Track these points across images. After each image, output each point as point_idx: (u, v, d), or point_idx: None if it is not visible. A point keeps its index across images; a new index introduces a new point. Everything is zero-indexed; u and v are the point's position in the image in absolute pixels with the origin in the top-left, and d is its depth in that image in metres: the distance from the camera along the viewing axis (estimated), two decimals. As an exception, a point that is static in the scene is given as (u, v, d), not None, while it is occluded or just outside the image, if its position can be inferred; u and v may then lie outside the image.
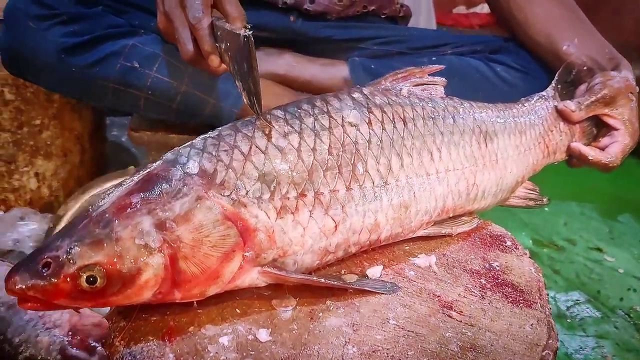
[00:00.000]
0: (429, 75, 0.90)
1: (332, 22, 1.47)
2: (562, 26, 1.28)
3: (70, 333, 1.08)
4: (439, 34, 1.51)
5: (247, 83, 0.74)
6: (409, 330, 0.68)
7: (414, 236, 0.84)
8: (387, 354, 0.65)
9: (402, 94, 0.86)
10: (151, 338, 0.64)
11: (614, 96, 1.06)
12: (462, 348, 0.67)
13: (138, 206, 0.64)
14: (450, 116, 0.87)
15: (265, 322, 0.67)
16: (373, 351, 0.65)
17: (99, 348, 1.06)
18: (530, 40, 1.33)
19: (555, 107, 1.04)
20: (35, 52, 1.23)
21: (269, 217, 0.69)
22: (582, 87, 1.12)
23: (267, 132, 0.72)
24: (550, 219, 1.88)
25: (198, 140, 0.72)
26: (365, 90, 0.84)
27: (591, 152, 1.06)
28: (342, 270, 0.77)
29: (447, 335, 0.68)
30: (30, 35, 1.23)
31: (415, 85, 0.89)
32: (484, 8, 2.50)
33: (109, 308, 0.70)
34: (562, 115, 1.04)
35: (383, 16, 1.55)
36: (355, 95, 0.82)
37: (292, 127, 0.74)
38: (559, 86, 1.09)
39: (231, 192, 0.67)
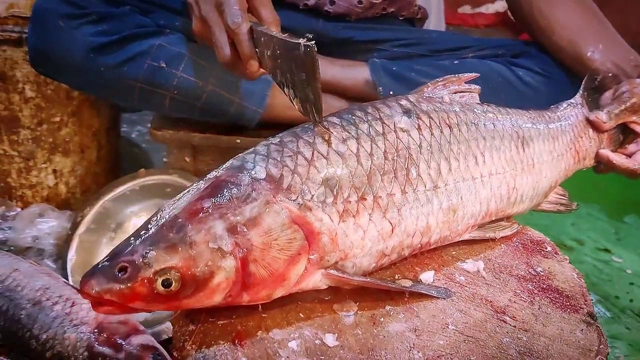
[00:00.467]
0: (465, 82, 0.92)
1: (352, 24, 1.48)
2: (586, 32, 1.29)
3: (97, 330, 1.08)
4: (459, 37, 1.52)
5: (303, 91, 0.75)
6: (468, 336, 0.70)
7: (459, 239, 0.86)
8: (451, 358, 0.66)
9: (444, 101, 0.88)
10: (222, 342, 0.65)
11: None
12: (520, 353, 0.68)
13: (210, 211, 0.65)
14: (490, 122, 0.89)
15: (330, 326, 0.68)
16: (437, 356, 0.66)
17: (125, 345, 1.06)
18: (553, 45, 1.35)
19: (584, 114, 1.06)
20: (64, 51, 1.22)
21: (332, 221, 0.70)
22: (607, 93, 1.14)
23: (326, 138, 0.73)
24: (558, 220, 1.89)
25: (261, 147, 0.73)
26: (412, 98, 0.85)
27: (619, 159, 1.08)
28: (396, 275, 0.78)
29: (504, 340, 0.70)
30: (59, 34, 1.22)
31: (454, 93, 0.91)
32: (489, 8, 2.51)
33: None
34: (593, 125, 1.06)
35: (401, 18, 1.57)
36: (403, 102, 0.83)
37: (349, 133, 0.75)
38: (585, 93, 1.11)
39: (297, 197, 0.68)
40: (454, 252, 0.85)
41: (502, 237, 0.90)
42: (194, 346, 0.64)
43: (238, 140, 1.43)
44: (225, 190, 0.66)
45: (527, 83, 1.35)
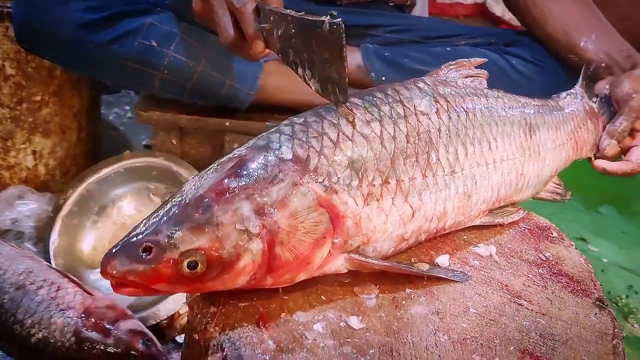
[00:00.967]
0: (474, 67, 0.92)
1: (343, 7, 1.47)
2: (579, 22, 1.31)
3: (84, 315, 1.05)
4: (450, 25, 1.53)
5: (323, 71, 0.73)
6: (490, 319, 0.69)
7: (470, 225, 0.86)
8: (476, 341, 0.66)
9: (458, 85, 0.87)
10: (245, 324, 0.63)
11: None
12: (542, 336, 0.68)
13: (236, 191, 0.63)
14: (501, 107, 0.89)
15: (353, 309, 0.67)
16: (463, 339, 0.66)
17: (114, 330, 1.04)
18: (546, 36, 1.36)
19: (584, 105, 1.07)
20: (53, 27, 1.18)
21: (357, 204, 0.68)
22: (601, 83, 1.15)
23: (350, 120, 0.72)
24: (536, 209, 1.92)
25: (285, 127, 0.71)
26: (428, 81, 0.84)
27: (615, 167, 1.07)
28: (412, 259, 0.78)
29: (524, 323, 0.70)
30: (46, 10, 1.18)
31: (465, 77, 0.90)
32: (468, -1, 2.52)
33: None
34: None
35: (391, 4, 1.56)
36: (421, 85, 0.82)
37: (372, 115, 0.73)
38: (583, 83, 1.12)
39: (324, 179, 0.67)
40: (465, 237, 0.85)
41: (510, 223, 0.90)
42: (217, 328, 0.63)
43: (227, 123, 1.40)
44: (252, 170, 0.64)
45: (520, 72, 1.36)
